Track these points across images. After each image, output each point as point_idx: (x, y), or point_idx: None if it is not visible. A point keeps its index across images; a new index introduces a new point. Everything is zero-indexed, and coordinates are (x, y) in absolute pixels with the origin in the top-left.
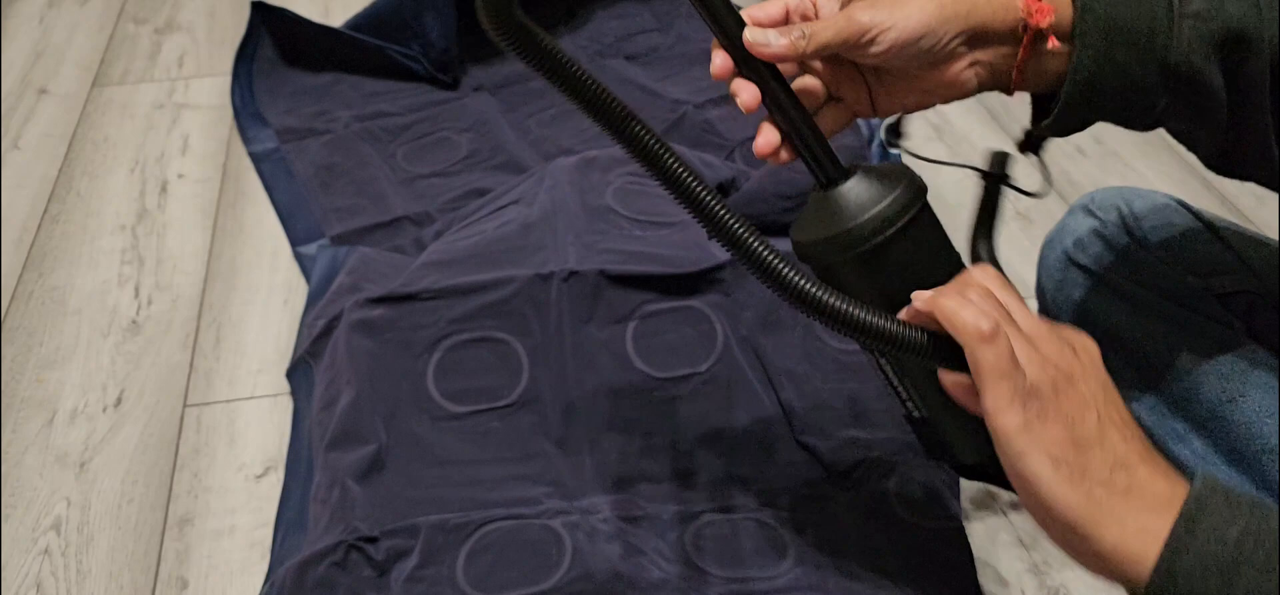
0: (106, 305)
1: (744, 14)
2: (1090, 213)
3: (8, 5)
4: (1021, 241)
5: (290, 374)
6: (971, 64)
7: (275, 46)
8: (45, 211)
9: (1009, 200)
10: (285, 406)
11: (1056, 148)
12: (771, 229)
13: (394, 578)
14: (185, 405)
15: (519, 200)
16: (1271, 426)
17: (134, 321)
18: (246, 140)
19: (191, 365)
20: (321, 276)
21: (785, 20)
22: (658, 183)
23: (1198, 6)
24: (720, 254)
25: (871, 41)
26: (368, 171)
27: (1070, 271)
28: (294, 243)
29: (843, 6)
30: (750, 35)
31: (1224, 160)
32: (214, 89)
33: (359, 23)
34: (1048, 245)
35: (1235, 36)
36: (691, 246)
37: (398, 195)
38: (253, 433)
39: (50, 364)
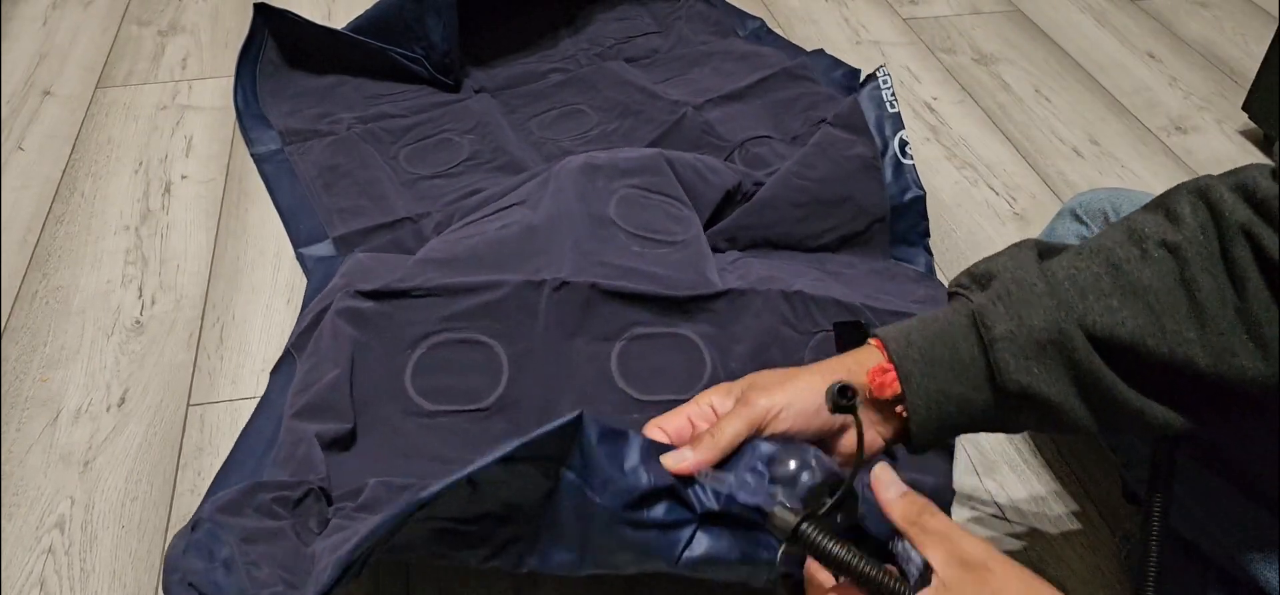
0: (110, 305)
1: (648, 429)
2: (1077, 217)
3: (11, 7)
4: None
5: (276, 370)
6: (869, 426)
7: (278, 48)
8: (49, 212)
9: (1007, 199)
10: None
11: (1052, 148)
12: (784, 241)
13: (335, 521)
14: (189, 404)
15: (524, 201)
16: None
17: (138, 321)
18: (249, 142)
19: (195, 365)
20: (317, 286)
21: (692, 432)
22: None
23: (1001, 330)
24: (716, 281)
25: (774, 419)
26: (370, 173)
27: None
28: (297, 244)
29: (737, 399)
30: (669, 461)
31: (1113, 430)
32: (217, 90)
33: (361, 25)
34: None
35: (1047, 343)
36: (687, 268)
37: (400, 196)
38: None
39: (54, 363)
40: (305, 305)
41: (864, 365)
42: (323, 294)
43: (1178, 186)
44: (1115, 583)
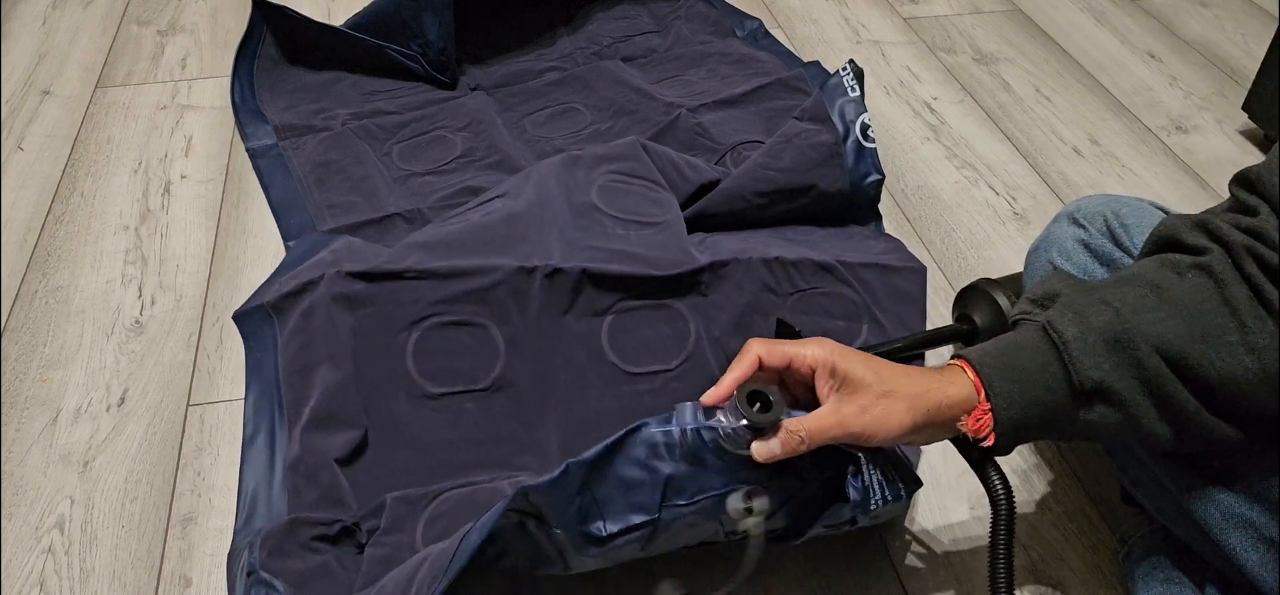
0: (110, 305)
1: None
2: (1075, 222)
3: (11, 6)
4: (1018, 242)
5: (241, 316)
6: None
7: (276, 44)
8: (49, 212)
9: (1007, 199)
10: None
11: (1053, 148)
12: (748, 223)
13: (368, 550)
14: (188, 404)
15: (505, 194)
16: None
17: (137, 321)
18: (245, 136)
19: (195, 365)
20: (301, 253)
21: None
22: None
23: (1071, 333)
24: (701, 258)
25: (863, 444)
26: (362, 168)
27: None
28: (286, 239)
29: (829, 394)
30: (756, 449)
31: (1177, 436)
32: (217, 90)
33: (359, 22)
34: (1033, 252)
35: (1113, 340)
36: (673, 248)
37: (391, 192)
38: None
39: (54, 364)
40: (284, 265)
41: (956, 391)
42: (311, 263)
43: (1176, 223)
44: (1115, 582)
